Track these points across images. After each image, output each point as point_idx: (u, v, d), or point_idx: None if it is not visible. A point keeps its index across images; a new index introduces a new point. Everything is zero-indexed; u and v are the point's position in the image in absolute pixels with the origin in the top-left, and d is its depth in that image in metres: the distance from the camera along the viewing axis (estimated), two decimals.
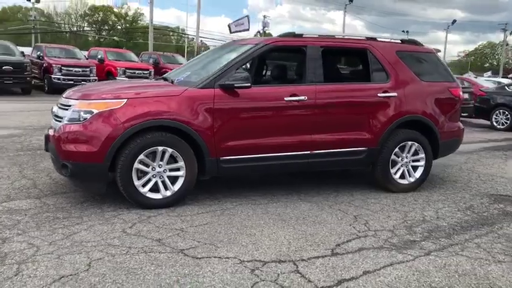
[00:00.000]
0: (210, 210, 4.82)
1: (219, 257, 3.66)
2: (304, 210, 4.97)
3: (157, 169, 4.78)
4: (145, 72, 21.92)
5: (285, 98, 5.18)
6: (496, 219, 5.03)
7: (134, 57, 24.31)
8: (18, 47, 19.73)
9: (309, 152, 5.36)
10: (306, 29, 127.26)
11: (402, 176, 5.92)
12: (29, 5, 49.99)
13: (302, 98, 5.24)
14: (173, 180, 4.88)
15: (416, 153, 5.94)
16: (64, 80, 19.20)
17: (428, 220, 4.86)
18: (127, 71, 21.62)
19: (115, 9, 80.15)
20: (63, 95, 5.14)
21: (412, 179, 5.95)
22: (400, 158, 5.86)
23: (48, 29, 60.16)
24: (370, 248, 4.00)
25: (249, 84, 4.92)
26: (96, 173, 4.65)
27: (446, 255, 3.92)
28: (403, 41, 6.15)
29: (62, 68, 19.55)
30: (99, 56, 22.95)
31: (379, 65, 5.76)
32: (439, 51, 6.81)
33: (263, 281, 3.29)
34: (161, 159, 4.79)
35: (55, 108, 5.13)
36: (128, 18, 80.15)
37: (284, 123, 5.24)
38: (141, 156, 4.68)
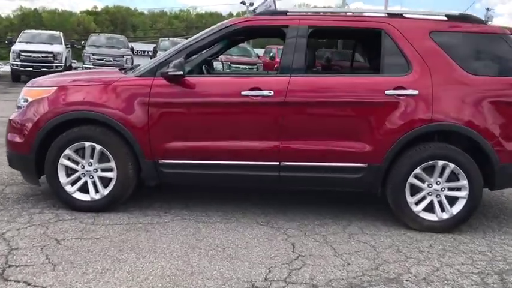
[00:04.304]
0: (131, 223, 4.05)
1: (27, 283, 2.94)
2: (244, 238, 3.82)
3: (87, 167, 4.22)
4: None
5: (242, 92, 4.06)
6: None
7: None
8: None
9: (277, 162, 4.13)
10: None
11: (430, 209, 4.16)
12: (252, 8, 54.29)
13: (266, 93, 4.04)
14: (108, 182, 4.26)
15: (455, 178, 4.11)
16: None
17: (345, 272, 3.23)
18: None
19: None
20: None
21: (445, 215, 4.13)
22: (426, 184, 4.12)
23: None
24: None
25: (181, 72, 3.98)
26: (27, 165, 4.32)
27: None
28: (449, 18, 4.30)
29: None
30: (271, 54, 23.26)
31: (397, 51, 4.11)
32: None
33: None
34: (92, 157, 4.21)
35: None
36: None
37: (240, 125, 4.13)
38: (68, 151, 4.18)
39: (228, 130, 4.12)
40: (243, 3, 52.24)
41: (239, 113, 4.12)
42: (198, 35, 4.39)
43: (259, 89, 4.05)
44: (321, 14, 4.39)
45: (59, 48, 19.19)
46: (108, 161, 4.19)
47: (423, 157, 4.06)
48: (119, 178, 4.20)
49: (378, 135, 4.05)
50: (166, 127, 4.12)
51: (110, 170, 4.21)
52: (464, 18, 4.30)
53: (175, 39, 24.08)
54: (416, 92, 4.02)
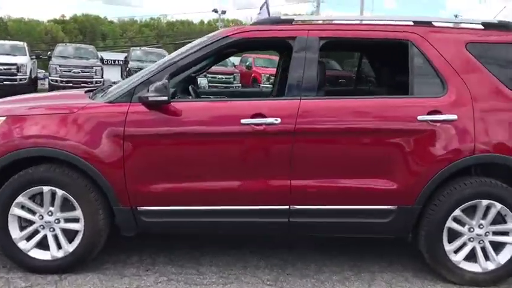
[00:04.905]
0: None
1: None
2: None
3: (46, 218, 3.34)
4: None
5: (242, 121, 3.26)
6: None
7: None
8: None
9: (287, 206, 3.33)
10: None
11: (472, 257, 3.43)
12: (224, 16, 53.01)
13: (271, 120, 3.25)
14: (74, 235, 3.38)
15: (501, 220, 3.39)
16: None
17: None
18: (271, 77, 20.76)
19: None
20: None
21: (490, 265, 3.40)
22: (466, 227, 3.39)
23: None
24: None
25: (166, 98, 3.15)
26: None
27: None
28: (487, 26, 3.59)
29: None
30: (247, 63, 22.55)
31: (428, 66, 3.39)
32: None
33: None
34: (52, 204, 3.33)
35: None
36: None
37: (240, 161, 3.32)
38: (21, 198, 3.29)
39: (225, 168, 3.31)
40: (215, 11, 51.23)
41: (239, 146, 3.31)
42: (184, 49, 3.56)
43: (263, 116, 3.26)
44: (334, 22, 3.63)
45: (22, 59, 18.00)
46: (73, 209, 3.32)
47: (464, 196, 3.33)
48: (87, 230, 3.33)
49: (410, 171, 3.30)
50: (146, 165, 3.29)
51: (76, 220, 3.35)
52: (504, 26, 3.59)
53: (147, 48, 23.09)
54: (454, 116, 3.29)
